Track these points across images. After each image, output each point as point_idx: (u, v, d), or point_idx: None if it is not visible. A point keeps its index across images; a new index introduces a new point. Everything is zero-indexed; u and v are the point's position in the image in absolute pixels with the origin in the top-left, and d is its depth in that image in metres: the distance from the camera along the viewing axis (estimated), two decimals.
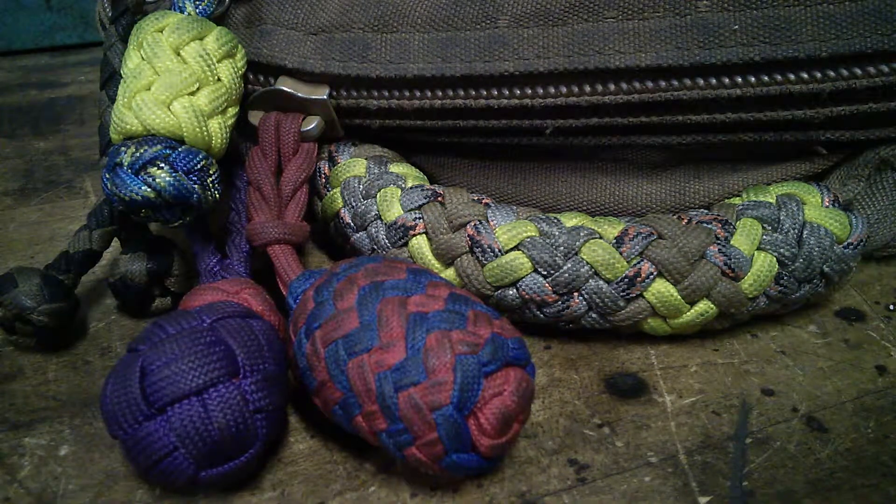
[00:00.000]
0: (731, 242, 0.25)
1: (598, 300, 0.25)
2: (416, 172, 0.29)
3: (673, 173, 0.29)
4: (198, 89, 0.25)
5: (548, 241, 0.25)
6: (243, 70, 0.27)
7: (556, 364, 0.27)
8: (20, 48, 0.51)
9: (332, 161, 0.29)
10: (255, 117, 0.29)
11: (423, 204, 0.27)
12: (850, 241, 0.26)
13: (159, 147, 0.23)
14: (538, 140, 0.28)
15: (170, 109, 0.24)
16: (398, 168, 0.28)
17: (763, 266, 0.25)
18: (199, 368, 0.20)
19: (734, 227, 0.26)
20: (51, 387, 0.26)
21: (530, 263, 0.25)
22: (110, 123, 0.25)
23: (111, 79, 0.28)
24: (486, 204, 0.27)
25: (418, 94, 0.27)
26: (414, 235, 0.26)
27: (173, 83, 0.24)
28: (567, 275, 0.25)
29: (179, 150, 0.24)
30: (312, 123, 0.28)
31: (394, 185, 0.27)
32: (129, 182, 0.23)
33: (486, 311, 0.21)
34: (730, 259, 0.25)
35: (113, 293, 0.28)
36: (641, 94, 0.25)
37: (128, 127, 0.24)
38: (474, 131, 0.28)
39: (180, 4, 0.26)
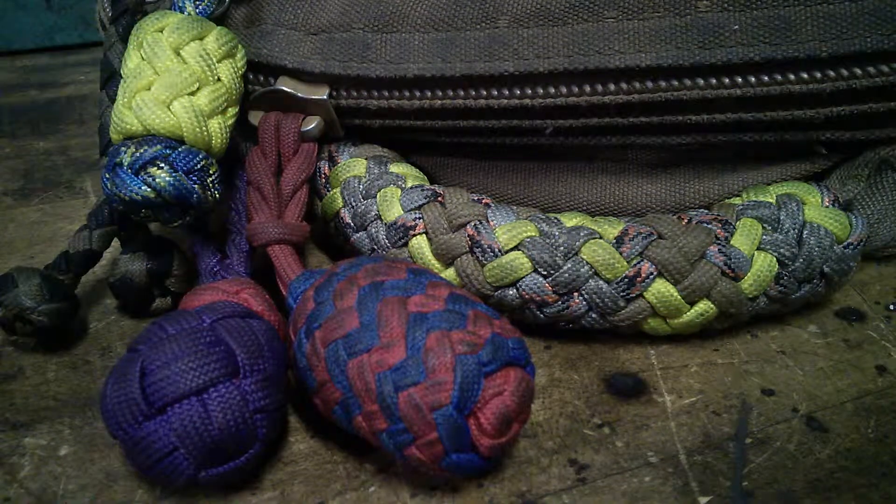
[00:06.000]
0: (731, 242, 0.25)
1: (598, 300, 0.25)
2: (416, 172, 0.29)
3: (673, 173, 0.29)
4: (198, 89, 0.25)
5: (548, 241, 0.25)
6: (243, 70, 0.27)
7: (556, 364, 0.27)
8: (20, 48, 0.51)
9: (332, 161, 0.29)
10: (255, 117, 0.29)
11: (423, 204, 0.27)
12: (850, 241, 0.26)
13: (159, 147, 0.23)
14: (538, 140, 0.28)
15: (170, 109, 0.24)
16: (398, 168, 0.28)
17: (763, 266, 0.25)
18: (199, 368, 0.20)
19: (734, 227, 0.26)
20: (51, 387, 0.26)
21: (530, 263, 0.25)
22: (110, 123, 0.25)
23: (111, 79, 0.28)
24: (486, 204, 0.27)
25: (418, 94, 0.27)
26: (414, 235, 0.26)
27: (173, 83, 0.24)
28: (567, 275, 0.25)
29: (179, 150, 0.24)
30: (312, 123, 0.28)
31: (394, 185, 0.27)
32: (129, 182, 0.23)
33: (486, 311, 0.21)
34: (730, 259, 0.25)
35: (113, 293, 0.28)
36: (641, 94, 0.25)
37: (128, 127, 0.24)
38: (474, 131, 0.28)
39: (180, 4, 0.26)
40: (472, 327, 0.20)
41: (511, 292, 0.26)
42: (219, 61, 0.26)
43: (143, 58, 0.25)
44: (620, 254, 0.25)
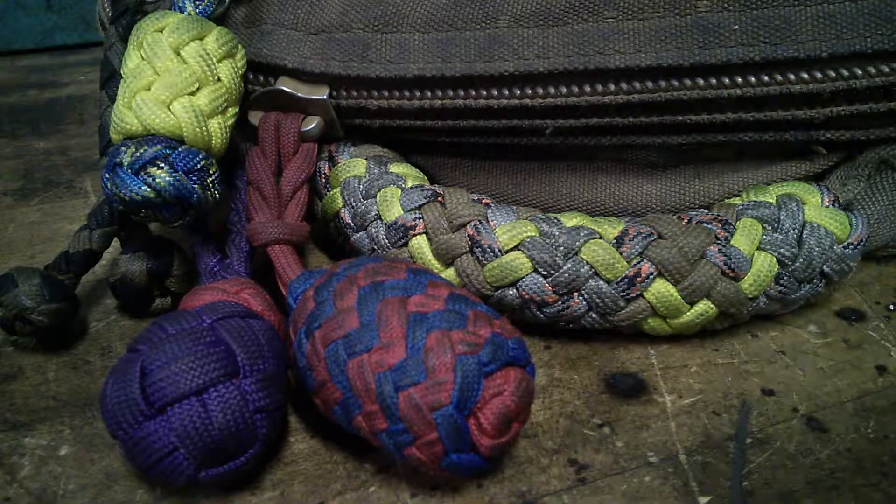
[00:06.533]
0: (731, 242, 0.25)
1: (598, 300, 0.25)
2: (416, 172, 0.29)
3: (673, 173, 0.29)
4: (198, 89, 0.25)
5: (548, 241, 0.25)
6: (243, 70, 0.27)
7: (556, 364, 0.27)
8: (20, 48, 0.51)
9: (332, 161, 0.29)
10: (255, 117, 0.29)
11: (423, 204, 0.27)
12: (850, 241, 0.26)
13: (159, 147, 0.23)
14: (538, 140, 0.28)
15: (170, 109, 0.24)
16: (398, 168, 0.28)
17: (763, 266, 0.25)
18: (199, 368, 0.20)
19: (734, 227, 0.26)
20: (51, 387, 0.26)
21: (530, 263, 0.25)
22: (110, 123, 0.25)
23: (111, 79, 0.28)
24: (486, 204, 0.27)
25: (418, 94, 0.27)
26: (414, 235, 0.26)
27: (173, 83, 0.24)
28: (567, 275, 0.25)
29: (179, 150, 0.24)
30: (312, 123, 0.28)
31: (394, 185, 0.27)
32: (129, 182, 0.23)
33: (486, 311, 0.21)
34: (730, 259, 0.25)
35: (113, 293, 0.28)
36: (641, 94, 0.25)
37: (128, 127, 0.24)
38: (474, 131, 0.28)
39: (180, 4, 0.26)
40: (472, 327, 0.20)
41: (511, 292, 0.26)
42: (219, 61, 0.26)
43: (143, 58, 0.25)
44: (620, 254, 0.25)
